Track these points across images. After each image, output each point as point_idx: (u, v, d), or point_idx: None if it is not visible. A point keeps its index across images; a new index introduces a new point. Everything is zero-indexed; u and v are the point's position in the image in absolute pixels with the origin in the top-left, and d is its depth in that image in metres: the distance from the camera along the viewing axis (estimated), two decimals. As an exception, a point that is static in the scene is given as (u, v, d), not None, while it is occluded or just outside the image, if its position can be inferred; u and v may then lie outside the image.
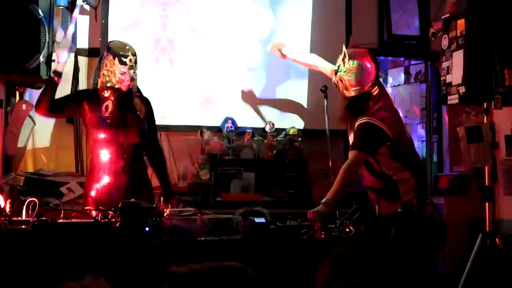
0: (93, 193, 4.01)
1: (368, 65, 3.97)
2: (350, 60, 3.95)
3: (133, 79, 3.93)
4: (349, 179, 3.87)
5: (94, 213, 3.41)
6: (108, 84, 3.91)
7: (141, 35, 5.69)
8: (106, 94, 3.93)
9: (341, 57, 4.00)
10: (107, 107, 3.93)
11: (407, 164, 3.94)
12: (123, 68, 3.87)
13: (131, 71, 3.89)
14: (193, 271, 1.73)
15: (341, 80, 3.99)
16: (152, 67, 5.72)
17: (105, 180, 3.99)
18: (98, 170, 4.01)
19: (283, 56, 4.66)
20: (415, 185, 3.90)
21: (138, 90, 4.08)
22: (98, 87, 3.95)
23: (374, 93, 3.96)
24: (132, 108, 4.01)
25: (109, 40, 5.52)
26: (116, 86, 3.91)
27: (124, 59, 3.87)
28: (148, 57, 5.72)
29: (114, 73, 3.88)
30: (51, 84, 3.88)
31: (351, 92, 3.97)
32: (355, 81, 3.95)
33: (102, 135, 3.96)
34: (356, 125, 3.93)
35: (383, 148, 3.89)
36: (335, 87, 4.09)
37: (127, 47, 3.94)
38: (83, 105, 3.97)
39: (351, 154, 3.89)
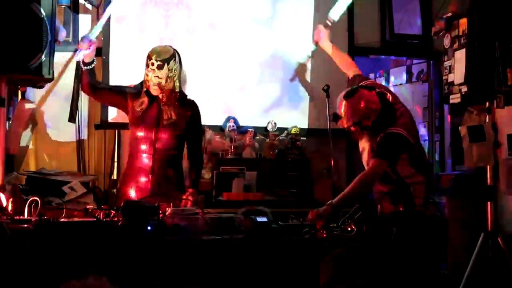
0: (123, 190, 4.15)
1: (362, 104, 3.80)
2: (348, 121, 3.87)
3: (158, 84, 3.97)
4: (364, 187, 3.76)
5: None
6: (145, 85, 4.03)
7: (142, 35, 5.70)
8: (143, 92, 4.04)
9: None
10: (142, 103, 4.04)
11: (420, 167, 3.91)
12: (148, 71, 3.97)
13: (153, 75, 3.95)
14: None
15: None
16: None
17: (134, 178, 4.09)
18: (129, 167, 4.15)
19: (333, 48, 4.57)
20: (427, 187, 3.88)
21: (182, 94, 4.13)
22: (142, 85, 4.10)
23: (390, 100, 3.91)
24: (170, 111, 4.04)
25: (111, 39, 5.56)
26: (148, 89, 4.02)
27: (148, 62, 3.97)
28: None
29: (146, 75, 4.01)
30: (82, 70, 4.07)
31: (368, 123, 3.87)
32: (365, 121, 3.87)
33: (135, 133, 4.08)
34: (385, 134, 3.81)
35: (404, 154, 3.84)
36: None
37: (156, 51, 4.01)
38: (127, 101, 4.11)
39: (372, 162, 3.77)
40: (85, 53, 4.03)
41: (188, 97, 4.22)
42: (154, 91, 4.01)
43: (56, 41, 4.41)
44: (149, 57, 3.98)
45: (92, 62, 4.07)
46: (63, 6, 5.37)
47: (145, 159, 4.05)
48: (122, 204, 3.26)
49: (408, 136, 3.80)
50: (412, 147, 3.82)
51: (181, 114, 4.09)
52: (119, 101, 4.18)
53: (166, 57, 3.98)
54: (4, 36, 3.80)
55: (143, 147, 4.05)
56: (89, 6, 5.60)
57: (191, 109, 4.17)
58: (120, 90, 4.23)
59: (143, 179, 4.05)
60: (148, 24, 5.73)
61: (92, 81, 4.10)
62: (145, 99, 4.03)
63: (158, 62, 3.94)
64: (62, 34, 5.20)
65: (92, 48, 4.06)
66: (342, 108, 3.86)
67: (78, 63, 4.14)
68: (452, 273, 4.91)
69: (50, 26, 3.95)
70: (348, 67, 4.48)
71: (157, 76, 3.95)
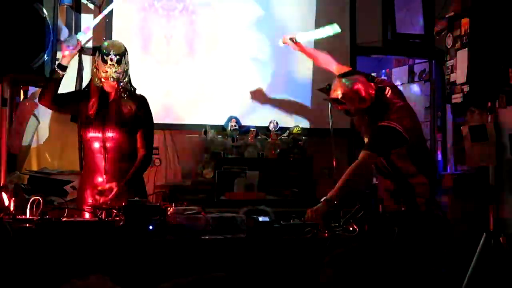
0: (80, 193, 4.05)
1: (354, 86, 3.88)
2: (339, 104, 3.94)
3: (116, 79, 3.86)
4: (354, 178, 3.75)
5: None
6: (95, 81, 3.90)
7: (144, 34, 5.70)
8: (92, 92, 3.93)
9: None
10: (92, 105, 3.93)
11: (423, 167, 3.90)
12: (105, 67, 3.83)
13: (112, 70, 3.83)
14: (178, 285, 1.73)
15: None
16: (156, 65, 5.72)
17: (90, 180, 3.98)
18: (86, 169, 4.06)
19: (297, 45, 4.59)
20: (430, 188, 3.88)
21: (130, 89, 4.00)
22: (90, 84, 3.97)
23: (388, 95, 3.93)
24: (118, 107, 3.94)
25: (113, 37, 5.55)
26: (101, 85, 3.89)
27: (105, 57, 3.82)
28: (151, 56, 5.73)
29: (99, 71, 3.86)
30: (54, 76, 3.90)
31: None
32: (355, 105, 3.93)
33: (86, 134, 3.96)
34: (378, 127, 3.84)
35: (402, 150, 3.84)
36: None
37: (113, 45, 3.90)
38: (80, 104, 3.98)
39: (361, 154, 3.81)
40: (68, 53, 3.91)
41: (136, 92, 4.07)
42: (109, 87, 3.90)
43: (58, 41, 4.41)
44: (105, 52, 3.82)
45: (66, 67, 3.94)
46: (65, 6, 5.37)
47: (98, 159, 3.94)
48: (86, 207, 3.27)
49: (403, 131, 3.77)
50: (406, 142, 3.79)
51: (131, 110, 3.97)
52: (76, 106, 4.02)
53: (122, 51, 3.88)
54: (7, 36, 3.81)
55: (94, 147, 3.94)
56: (91, 6, 5.60)
57: (138, 104, 4.01)
58: (76, 95, 4.17)
59: (97, 179, 3.93)
60: (150, 22, 5.73)
61: (56, 95, 3.95)
62: (94, 101, 3.92)
63: (117, 57, 3.83)
64: (64, 34, 5.22)
65: (76, 50, 3.98)
66: (335, 82, 3.95)
67: (53, 70, 3.96)
68: (454, 273, 4.91)
69: (52, 26, 3.96)
70: (328, 62, 4.51)
71: (116, 71, 3.84)
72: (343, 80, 3.91)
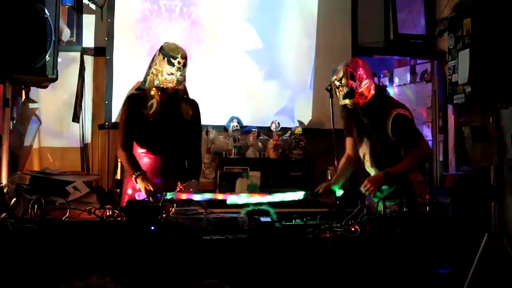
0: (130, 192, 4.05)
1: (361, 71, 4.04)
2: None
3: (179, 82, 3.95)
4: (417, 163, 4.00)
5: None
6: (155, 83, 3.96)
7: (146, 35, 5.70)
8: (152, 92, 3.97)
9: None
10: (151, 105, 3.96)
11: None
12: (171, 69, 3.90)
13: (179, 73, 3.91)
14: None
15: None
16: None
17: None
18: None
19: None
20: (428, 187, 3.93)
21: (185, 92, 4.09)
22: (146, 85, 4.01)
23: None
24: (177, 110, 4.02)
25: (115, 39, 5.56)
26: (162, 86, 3.95)
27: (173, 60, 3.89)
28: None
29: (162, 73, 3.92)
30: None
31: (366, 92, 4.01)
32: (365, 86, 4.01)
33: (144, 134, 3.99)
34: (394, 116, 3.96)
35: None
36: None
37: (178, 49, 3.95)
38: (138, 114, 3.99)
39: (421, 142, 3.96)
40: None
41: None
42: (171, 89, 3.97)
43: (60, 41, 4.41)
44: (173, 55, 3.91)
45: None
46: (67, 6, 5.37)
47: (155, 160, 4.00)
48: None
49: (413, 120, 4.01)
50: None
51: (188, 113, 4.07)
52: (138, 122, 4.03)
53: (186, 54, 3.97)
54: (8, 36, 3.81)
55: (152, 147, 4.00)
56: (93, 6, 5.60)
57: (194, 108, 4.13)
58: (132, 115, 4.04)
59: (154, 180, 3.92)
60: (152, 23, 5.73)
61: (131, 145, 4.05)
62: (154, 101, 3.97)
63: (184, 60, 3.92)
64: (66, 34, 5.22)
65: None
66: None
67: None
68: (455, 274, 4.90)
69: (54, 26, 3.95)
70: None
71: (182, 74, 3.94)
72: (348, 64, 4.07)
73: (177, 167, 4.05)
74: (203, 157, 5.64)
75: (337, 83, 4.02)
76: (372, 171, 4.12)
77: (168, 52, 3.92)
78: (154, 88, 3.97)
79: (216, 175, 5.52)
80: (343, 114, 4.20)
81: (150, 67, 4.02)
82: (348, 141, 4.31)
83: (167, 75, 3.91)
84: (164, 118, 3.99)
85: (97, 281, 1.62)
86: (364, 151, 4.14)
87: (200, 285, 1.73)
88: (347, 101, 4.03)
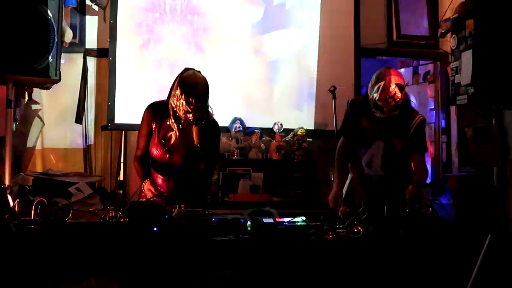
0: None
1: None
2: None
3: (199, 119, 3.76)
4: None
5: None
6: (177, 114, 3.77)
7: (149, 36, 5.71)
8: (172, 123, 3.81)
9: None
10: (170, 137, 3.83)
11: None
12: (189, 107, 3.69)
13: (197, 113, 3.71)
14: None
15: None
16: (160, 66, 5.73)
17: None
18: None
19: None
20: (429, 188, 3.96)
21: (207, 116, 3.87)
22: (169, 107, 3.79)
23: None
24: (192, 138, 3.87)
25: (118, 40, 5.57)
26: (182, 119, 3.78)
27: (190, 99, 3.68)
28: (155, 57, 5.73)
29: (180, 108, 3.72)
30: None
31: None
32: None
33: (159, 158, 3.89)
34: (418, 123, 4.05)
35: None
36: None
37: (197, 86, 3.73)
38: (153, 129, 3.88)
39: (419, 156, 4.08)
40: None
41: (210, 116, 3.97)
42: (190, 122, 3.80)
43: (63, 43, 4.42)
44: (190, 95, 3.68)
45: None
46: (69, 8, 5.38)
47: (166, 182, 3.92)
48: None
49: None
50: None
51: (202, 136, 3.91)
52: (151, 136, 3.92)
53: (206, 90, 3.77)
54: (11, 38, 3.82)
55: (164, 172, 3.91)
56: (95, 8, 5.61)
57: (210, 130, 3.95)
58: (149, 127, 3.91)
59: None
60: (154, 24, 5.74)
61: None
62: (173, 134, 3.83)
63: (198, 104, 3.70)
64: (69, 36, 5.23)
65: None
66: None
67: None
68: (458, 275, 4.90)
69: (57, 28, 3.96)
70: None
71: (200, 112, 3.73)
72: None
73: (184, 194, 3.87)
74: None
75: (389, 99, 3.90)
76: (373, 174, 4.09)
77: (186, 89, 3.70)
78: (173, 121, 3.81)
79: (219, 176, 5.52)
80: (355, 115, 4.12)
81: (171, 91, 3.80)
82: (343, 140, 4.24)
83: (186, 112, 3.72)
84: (178, 147, 3.87)
85: (97, 282, 1.62)
86: (372, 153, 4.09)
87: (214, 277, 1.72)
88: (386, 111, 3.97)
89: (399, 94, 3.89)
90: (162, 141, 3.85)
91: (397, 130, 4.02)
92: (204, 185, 4.10)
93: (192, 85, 3.73)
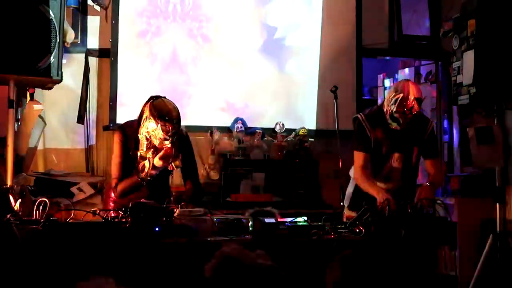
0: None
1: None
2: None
3: (174, 142, 3.71)
4: None
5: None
6: (152, 143, 3.71)
7: (150, 37, 5.71)
8: (144, 153, 3.74)
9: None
10: (143, 167, 3.76)
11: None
12: (166, 135, 3.64)
13: (174, 137, 3.68)
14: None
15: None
16: (162, 67, 5.73)
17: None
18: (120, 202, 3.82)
19: None
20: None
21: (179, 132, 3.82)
22: (139, 137, 3.72)
23: None
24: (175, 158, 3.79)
25: (119, 41, 5.57)
26: (157, 147, 3.71)
27: (168, 127, 3.63)
28: (157, 58, 5.73)
29: (156, 136, 3.66)
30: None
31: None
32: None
33: (131, 182, 3.80)
34: (432, 128, 4.07)
35: None
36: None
37: (172, 113, 3.66)
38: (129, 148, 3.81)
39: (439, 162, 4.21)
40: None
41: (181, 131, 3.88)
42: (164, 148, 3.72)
43: (65, 43, 4.42)
44: (164, 124, 3.61)
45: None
46: (71, 8, 5.38)
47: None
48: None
49: None
50: None
51: (177, 150, 3.81)
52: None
53: (179, 119, 3.69)
54: (13, 38, 3.82)
55: (137, 193, 3.77)
56: (97, 8, 5.61)
57: (181, 144, 3.87)
58: (125, 151, 3.84)
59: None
60: (156, 25, 5.74)
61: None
62: (146, 163, 3.73)
63: (174, 130, 3.66)
64: (71, 36, 5.23)
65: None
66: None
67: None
68: (461, 275, 4.89)
69: (58, 28, 3.96)
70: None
71: (171, 141, 3.68)
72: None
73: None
74: (208, 158, 5.66)
75: (406, 111, 3.87)
76: (391, 187, 4.02)
77: (162, 118, 3.62)
78: (147, 150, 3.72)
79: (220, 176, 5.52)
80: (372, 129, 4.04)
81: (140, 121, 3.70)
82: (364, 157, 4.03)
83: (163, 140, 3.65)
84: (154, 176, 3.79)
85: (100, 283, 1.62)
86: (392, 165, 4.02)
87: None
88: (401, 124, 3.95)
89: (416, 107, 3.83)
90: (136, 170, 3.77)
91: (413, 140, 3.99)
92: (200, 199, 4.06)
93: (166, 113, 3.65)
